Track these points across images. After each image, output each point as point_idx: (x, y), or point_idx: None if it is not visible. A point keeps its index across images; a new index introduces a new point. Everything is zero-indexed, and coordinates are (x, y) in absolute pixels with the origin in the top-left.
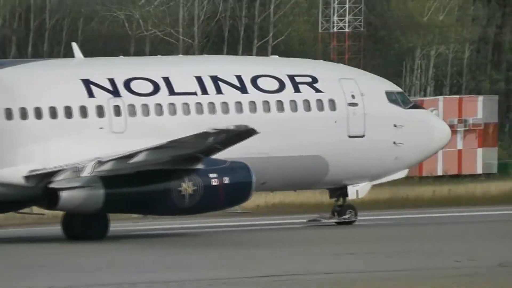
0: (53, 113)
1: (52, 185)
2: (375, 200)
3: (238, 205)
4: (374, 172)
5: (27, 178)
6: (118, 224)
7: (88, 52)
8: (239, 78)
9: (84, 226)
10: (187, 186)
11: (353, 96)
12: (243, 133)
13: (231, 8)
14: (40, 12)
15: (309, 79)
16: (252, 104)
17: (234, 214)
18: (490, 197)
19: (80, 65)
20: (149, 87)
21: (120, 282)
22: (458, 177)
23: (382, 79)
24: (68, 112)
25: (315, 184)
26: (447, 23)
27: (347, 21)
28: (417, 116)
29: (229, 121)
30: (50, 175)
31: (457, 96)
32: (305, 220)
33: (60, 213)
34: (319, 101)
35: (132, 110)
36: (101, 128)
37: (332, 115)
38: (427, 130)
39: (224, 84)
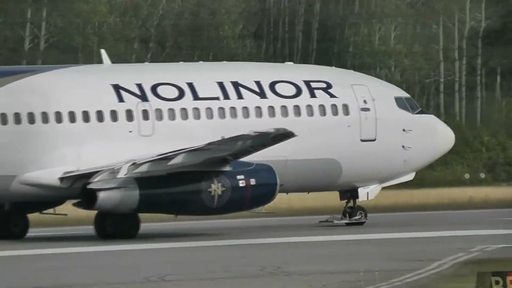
0: (86, 117)
1: (90, 186)
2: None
3: (263, 206)
4: (384, 174)
5: (61, 179)
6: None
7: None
8: (258, 83)
9: (116, 226)
10: (216, 187)
11: (365, 101)
12: (281, 135)
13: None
14: None
15: (324, 85)
16: (271, 108)
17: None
18: None
19: (109, 71)
20: (175, 92)
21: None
22: None
23: (391, 85)
24: (100, 116)
25: (328, 186)
26: None
27: None
28: (424, 121)
29: (250, 125)
30: (84, 176)
31: None
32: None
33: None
34: (334, 106)
35: (159, 114)
36: (130, 131)
37: (345, 120)
38: (433, 135)
39: (245, 90)
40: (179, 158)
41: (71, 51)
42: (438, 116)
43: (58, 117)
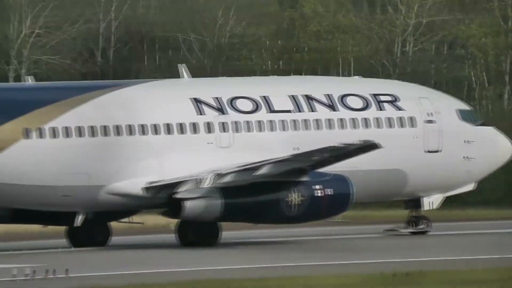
0: (168, 129)
1: (176, 196)
2: None
3: (338, 215)
4: (447, 184)
5: (145, 189)
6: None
7: None
8: (329, 97)
9: (198, 234)
10: (295, 196)
11: (430, 114)
12: (367, 147)
13: None
14: None
15: (391, 98)
16: (341, 121)
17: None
18: None
19: (189, 85)
20: (251, 106)
21: None
22: None
23: (453, 98)
24: (181, 128)
25: (395, 195)
26: None
27: None
28: (485, 133)
29: (322, 137)
30: (167, 186)
31: None
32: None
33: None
34: (401, 119)
35: (236, 127)
36: (209, 143)
37: (412, 132)
38: (493, 146)
39: (316, 103)
40: (265, 169)
41: None
42: None
43: (143, 130)
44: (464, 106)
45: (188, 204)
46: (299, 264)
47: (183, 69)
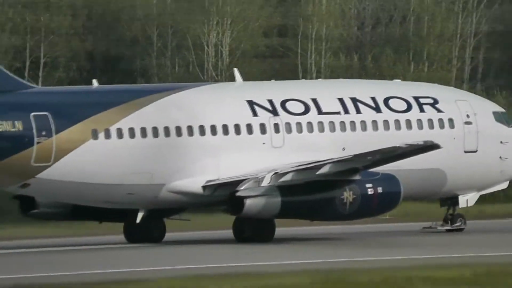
0: (226, 130)
1: (238, 194)
2: None
3: (387, 212)
4: (483, 183)
5: (204, 187)
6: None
7: None
8: (373, 99)
9: (254, 230)
10: (348, 194)
11: (467, 116)
12: (428, 147)
13: None
14: None
15: (431, 100)
16: (386, 122)
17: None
18: None
19: (243, 88)
20: (301, 108)
21: None
22: None
23: (489, 101)
24: (237, 129)
25: (434, 194)
26: None
27: None
28: None
29: (367, 138)
30: (224, 185)
31: None
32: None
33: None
34: (441, 120)
35: (288, 128)
36: (263, 143)
37: (451, 133)
38: None
39: (362, 105)
40: (327, 168)
41: None
42: None
43: (202, 130)
44: (499, 108)
45: (248, 202)
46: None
47: (236, 72)
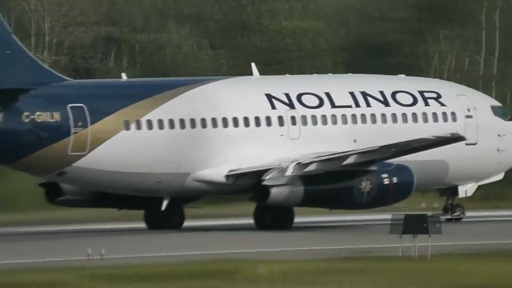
0: (246, 122)
1: (264, 183)
2: None
3: (401, 202)
4: (481, 174)
5: (227, 177)
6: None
7: None
8: (382, 93)
9: (274, 218)
10: (366, 184)
11: (468, 110)
12: (453, 139)
13: None
14: None
15: (435, 95)
16: (394, 115)
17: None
18: None
19: (261, 82)
20: (316, 101)
21: None
22: None
23: (486, 95)
24: (257, 122)
25: (436, 184)
26: None
27: None
28: None
29: (377, 130)
30: (246, 174)
31: None
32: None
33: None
34: (444, 114)
35: (304, 120)
36: (281, 135)
37: (453, 126)
38: None
39: (372, 99)
40: (352, 158)
41: None
42: None
43: (225, 122)
44: (496, 103)
45: (274, 191)
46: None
47: (254, 66)
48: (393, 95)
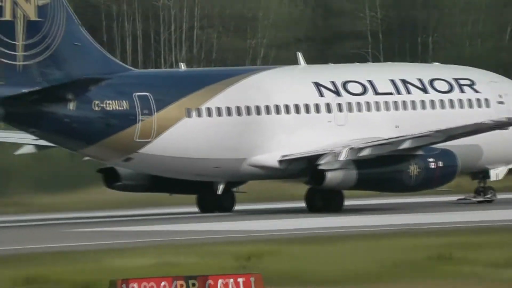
0: (297, 109)
1: (320, 167)
2: None
3: (445, 185)
4: (511, 157)
5: (280, 162)
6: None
7: None
8: (420, 81)
9: (325, 201)
10: (414, 168)
11: (500, 96)
12: (510, 124)
13: None
14: None
15: (469, 82)
16: (432, 102)
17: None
18: None
19: (308, 71)
20: (360, 88)
21: None
22: None
23: None
24: (307, 109)
25: (471, 168)
26: None
27: None
28: None
29: (417, 116)
30: (298, 159)
31: None
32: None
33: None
34: (478, 100)
35: (349, 107)
36: (329, 121)
37: (487, 112)
38: None
39: (411, 86)
40: (406, 143)
41: None
42: None
43: (277, 110)
44: None
45: (329, 175)
46: None
47: (300, 56)
48: (431, 82)
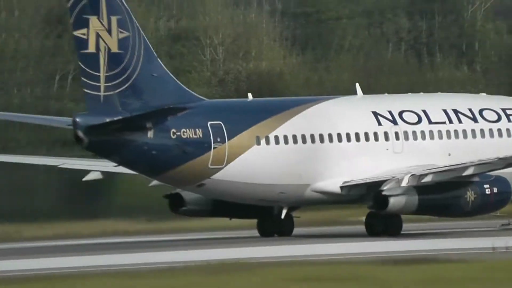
0: (357, 137)
1: (384, 193)
2: None
3: (499, 209)
4: None
5: (342, 187)
6: None
7: None
8: (471, 110)
9: (384, 225)
10: (470, 194)
11: None
12: None
13: None
14: None
15: None
16: (482, 131)
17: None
18: None
19: (366, 101)
20: (415, 118)
21: None
22: None
23: None
24: (367, 137)
25: None
26: None
27: None
28: None
29: (468, 145)
30: (358, 186)
31: None
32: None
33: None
34: None
35: (406, 136)
36: (387, 149)
37: None
38: None
39: (462, 116)
40: (470, 170)
41: None
42: None
43: (339, 138)
44: None
45: (392, 200)
46: None
47: (358, 86)
48: (480, 112)
